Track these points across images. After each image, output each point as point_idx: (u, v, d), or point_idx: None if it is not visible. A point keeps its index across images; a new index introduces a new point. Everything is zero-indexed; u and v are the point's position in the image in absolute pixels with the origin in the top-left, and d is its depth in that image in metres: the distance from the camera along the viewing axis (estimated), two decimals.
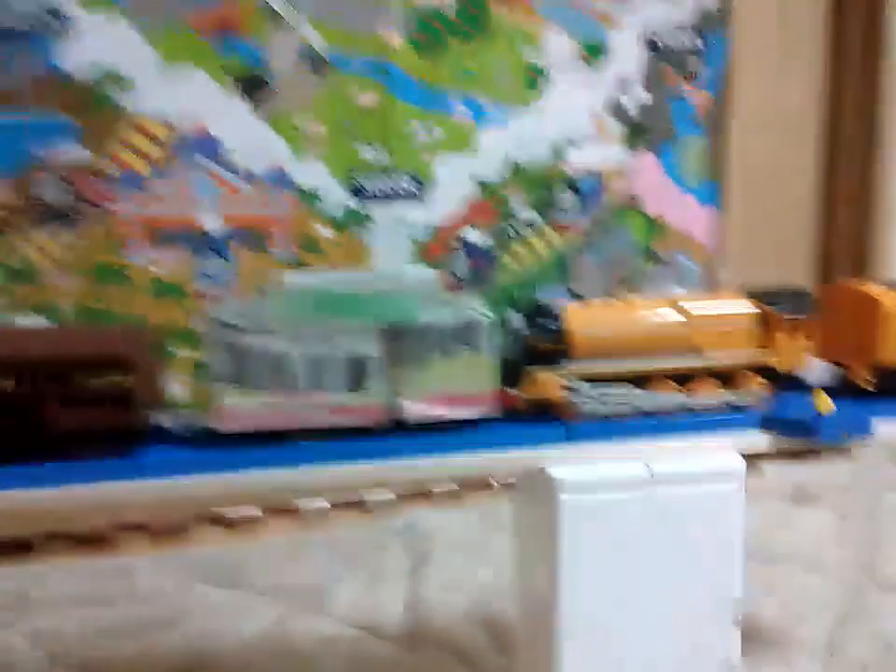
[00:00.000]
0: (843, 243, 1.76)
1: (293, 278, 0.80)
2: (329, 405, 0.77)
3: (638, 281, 1.63)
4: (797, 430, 0.82)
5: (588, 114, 1.57)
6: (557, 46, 1.53)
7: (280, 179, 1.43)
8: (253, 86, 1.39)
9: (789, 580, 1.30)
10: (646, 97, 1.59)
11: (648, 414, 0.82)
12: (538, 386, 0.81)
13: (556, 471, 0.78)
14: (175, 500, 0.75)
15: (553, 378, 0.81)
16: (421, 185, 1.49)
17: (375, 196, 1.47)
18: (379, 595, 1.25)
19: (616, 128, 1.59)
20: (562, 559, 0.77)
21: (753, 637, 1.13)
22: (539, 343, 0.81)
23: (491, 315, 0.79)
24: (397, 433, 0.78)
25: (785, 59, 1.69)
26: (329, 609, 1.21)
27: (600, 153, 1.58)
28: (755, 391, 0.85)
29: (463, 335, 0.78)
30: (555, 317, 0.82)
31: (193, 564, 1.35)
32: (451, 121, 1.49)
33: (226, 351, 0.75)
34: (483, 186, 1.54)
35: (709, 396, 0.84)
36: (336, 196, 1.46)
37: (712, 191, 1.67)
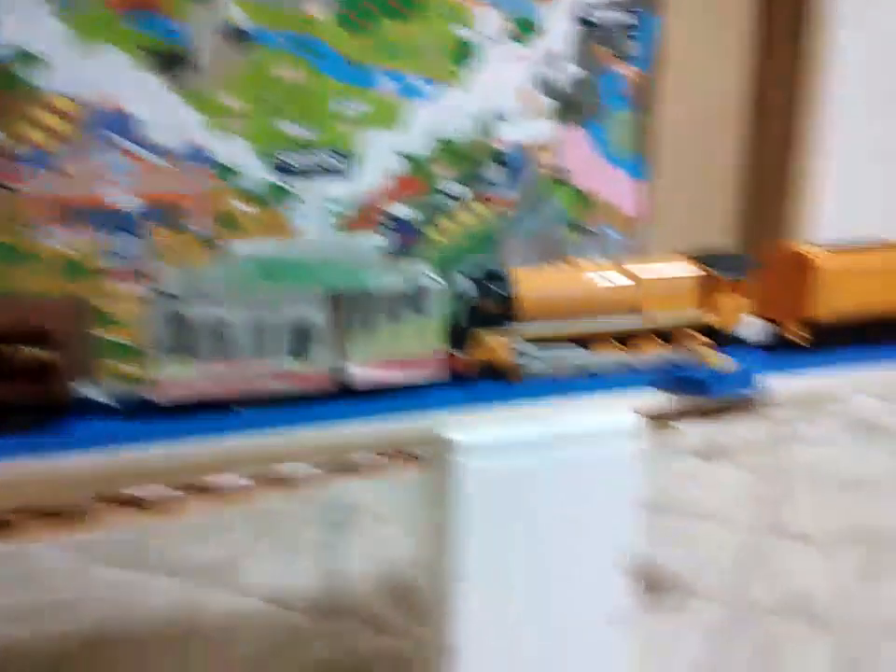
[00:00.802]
0: (765, 214, 1.83)
1: (237, 247, 0.77)
2: (272, 372, 0.75)
3: (566, 253, 1.64)
4: (690, 388, 0.84)
5: (517, 89, 1.57)
6: (488, 21, 1.52)
7: (197, 155, 1.38)
8: (171, 62, 1.34)
9: (695, 532, 1.33)
10: (576, 72, 1.60)
11: (592, 374, 0.84)
12: (485, 349, 0.81)
13: (453, 434, 0.76)
14: (106, 474, 0.72)
15: (501, 340, 0.81)
16: (346, 160, 1.47)
17: (298, 171, 1.44)
18: (297, 569, 1.23)
19: (545, 103, 1.60)
20: (457, 522, 0.76)
21: (657, 587, 1.17)
22: (488, 306, 0.81)
23: (438, 279, 0.78)
24: (343, 399, 0.77)
25: (714, 35, 1.72)
26: (245, 585, 1.19)
27: (529, 127, 1.59)
28: (695, 349, 0.87)
29: (410, 300, 0.77)
30: (505, 281, 0.82)
31: (97, 546, 1.29)
32: (378, 97, 1.47)
33: (165, 320, 0.72)
34: (411, 160, 1.52)
35: (651, 354, 0.86)
36: (257, 172, 1.42)
37: (641, 164, 1.70)
